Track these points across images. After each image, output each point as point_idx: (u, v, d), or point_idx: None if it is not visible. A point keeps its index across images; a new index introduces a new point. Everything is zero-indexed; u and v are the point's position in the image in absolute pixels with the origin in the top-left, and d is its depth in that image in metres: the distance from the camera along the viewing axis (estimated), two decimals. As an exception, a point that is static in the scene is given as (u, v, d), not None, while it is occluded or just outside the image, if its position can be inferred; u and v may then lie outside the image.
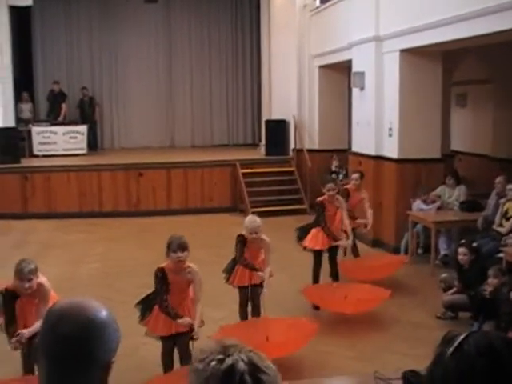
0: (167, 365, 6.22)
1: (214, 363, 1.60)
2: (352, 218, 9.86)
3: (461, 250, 8.25)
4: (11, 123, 17.43)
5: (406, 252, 11.08)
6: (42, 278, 6.01)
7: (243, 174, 15.96)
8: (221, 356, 1.61)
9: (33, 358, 5.82)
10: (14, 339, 5.72)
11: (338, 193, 9.05)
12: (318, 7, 15.91)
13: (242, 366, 1.59)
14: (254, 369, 1.60)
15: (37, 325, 5.81)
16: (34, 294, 5.91)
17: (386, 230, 11.91)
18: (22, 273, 5.74)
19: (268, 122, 17.83)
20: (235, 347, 1.64)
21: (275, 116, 17.93)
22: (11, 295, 5.91)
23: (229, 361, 1.59)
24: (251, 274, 7.31)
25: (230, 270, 7.50)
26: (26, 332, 5.75)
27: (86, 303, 1.92)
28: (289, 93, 17.04)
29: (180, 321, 5.95)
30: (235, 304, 7.69)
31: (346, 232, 9.01)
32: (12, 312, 5.91)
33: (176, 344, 6.16)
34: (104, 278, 10.40)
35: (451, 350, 1.66)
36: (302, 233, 9.13)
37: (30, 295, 5.91)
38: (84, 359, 1.84)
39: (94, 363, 1.86)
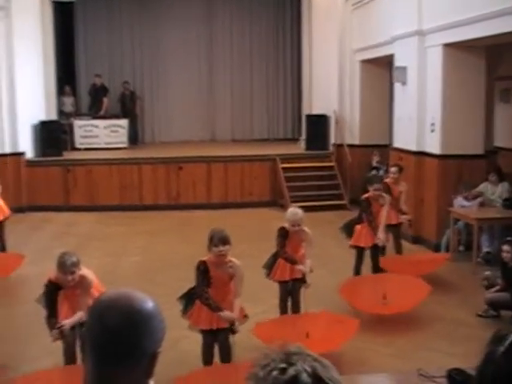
0: (207, 359, 6.23)
1: (275, 372, 1.52)
2: (399, 212, 9.90)
3: (505, 247, 8.14)
4: (53, 116, 17.65)
5: (447, 249, 10.97)
6: (84, 270, 6.07)
7: (283, 168, 15.94)
8: (283, 365, 1.53)
9: (80, 349, 5.91)
10: (54, 330, 5.77)
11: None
12: (360, 1, 15.77)
13: (305, 377, 1.51)
14: (318, 381, 1.53)
15: (78, 315, 5.88)
16: (76, 286, 5.97)
17: (426, 226, 11.79)
18: (65, 266, 5.80)
19: (308, 116, 17.76)
20: (299, 355, 1.56)
21: (316, 111, 17.85)
22: (54, 287, 5.98)
23: (291, 371, 1.52)
24: (292, 269, 7.30)
25: (270, 265, 7.49)
26: (68, 322, 5.81)
27: (132, 294, 1.92)
28: (329, 87, 16.94)
29: (222, 314, 5.96)
30: (275, 299, 7.68)
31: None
32: (54, 304, 5.98)
33: (216, 338, 6.18)
34: (145, 271, 10.46)
35: (502, 348, 1.63)
36: (349, 230, 9.14)
37: (73, 287, 5.96)
38: (130, 350, 1.84)
39: (141, 354, 1.86)
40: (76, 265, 5.87)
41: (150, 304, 1.91)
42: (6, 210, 11.12)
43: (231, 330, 5.97)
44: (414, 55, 11.90)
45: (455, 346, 7.00)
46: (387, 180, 10.37)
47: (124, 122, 18.39)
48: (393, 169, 10.53)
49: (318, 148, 16.93)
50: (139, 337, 1.85)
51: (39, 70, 17.01)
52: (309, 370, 1.53)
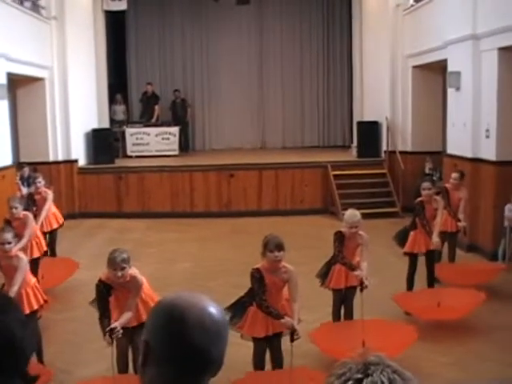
0: (259, 366, 6.18)
1: (350, 383, 1.46)
2: (455, 218, 9.68)
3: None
4: (106, 124, 17.87)
5: (504, 258, 10.71)
6: (135, 270, 6.07)
7: (334, 175, 15.83)
8: (359, 375, 1.46)
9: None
10: (107, 336, 5.72)
11: (437, 193, 8.87)
12: (411, 6, 15.60)
13: None
14: None
15: (126, 316, 5.85)
16: (128, 287, 5.95)
17: (482, 234, 11.54)
18: (115, 261, 5.80)
19: (360, 123, 17.64)
20: (377, 366, 1.48)
21: (367, 117, 17.72)
22: (104, 286, 5.97)
23: (367, 383, 1.45)
24: (347, 276, 7.21)
25: (324, 274, 7.42)
26: (118, 324, 5.76)
27: (178, 301, 1.82)
28: (381, 94, 16.79)
29: (283, 321, 5.88)
30: (327, 306, 7.61)
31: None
32: (106, 304, 5.96)
33: (269, 345, 6.12)
34: (196, 277, 10.46)
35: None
36: (402, 237, 8.95)
37: (125, 288, 5.95)
38: (207, 360, 1.79)
39: (212, 362, 1.82)
40: (126, 261, 5.86)
41: (218, 311, 1.84)
42: (61, 218, 11.24)
43: (291, 337, 5.86)
44: (469, 60, 11.70)
45: (513, 357, 6.83)
46: (447, 185, 10.18)
47: (175, 130, 18.51)
48: (454, 175, 10.23)
49: (370, 155, 16.79)
50: (210, 346, 1.78)
51: (91, 78, 17.24)
52: (386, 382, 1.45)
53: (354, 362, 1.50)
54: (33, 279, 7.22)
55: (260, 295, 5.93)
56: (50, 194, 10.89)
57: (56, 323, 8.33)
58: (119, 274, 5.79)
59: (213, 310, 1.82)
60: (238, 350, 6.64)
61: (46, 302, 7.12)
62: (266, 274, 5.94)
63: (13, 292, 6.46)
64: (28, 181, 13.41)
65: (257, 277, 5.93)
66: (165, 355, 1.77)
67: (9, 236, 6.95)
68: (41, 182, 10.90)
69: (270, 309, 5.90)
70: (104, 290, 5.96)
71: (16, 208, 9.02)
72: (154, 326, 1.81)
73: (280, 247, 5.87)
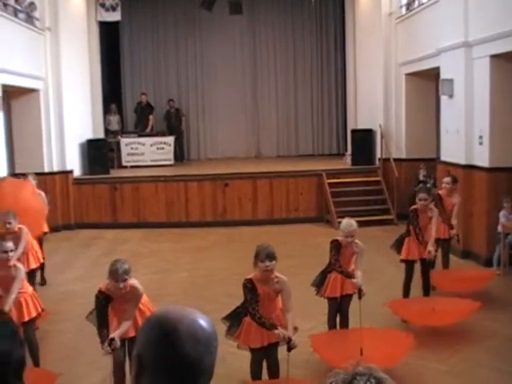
0: (256, 376, 6.18)
1: None
2: (449, 226, 9.67)
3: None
4: (100, 135, 17.89)
5: (499, 264, 10.72)
6: (134, 281, 6.05)
7: (329, 183, 15.85)
8: None
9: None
10: (106, 345, 5.70)
11: (432, 201, 8.87)
12: (404, 14, 15.70)
13: None
14: None
15: (125, 326, 5.84)
16: (127, 297, 5.94)
17: (477, 241, 11.57)
18: (117, 273, 5.77)
19: (354, 131, 17.69)
20: (363, 376, 1.53)
21: (361, 125, 17.77)
22: (104, 297, 5.95)
23: None
24: (343, 284, 7.23)
25: (320, 282, 7.42)
26: (116, 334, 5.75)
27: (170, 315, 1.87)
28: (375, 102, 16.85)
29: (276, 332, 5.86)
30: (322, 315, 7.61)
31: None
32: (105, 315, 5.95)
33: (266, 355, 6.12)
34: (193, 287, 10.47)
35: None
36: (399, 244, 8.95)
37: (124, 298, 5.94)
38: (197, 370, 1.81)
39: (204, 373, 1.83)
40: (128, 272, 5.84)
41: (208, 323, 1.88)
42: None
43: (288, 347, 5.85)
44: (461, 67, 11.76)
45: (510, 364, 6.83)
46: (440, 191, 10.16)
47: (170, 140, 18.53)
48: (446, 179, 10.21)
49: (364, 163, 16.83)
50: (202, 356, 1.82)
51: (86, 89, 17.28)
52: None
53: (344, 371, 1.54)
54: (30, 288, 7.25)
55: (252, 305, 5.92)
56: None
57: (51, 334, 8.32)
58: (121, 285, 5.77)
59: (203, 321, 1.86)
60: (238, 360, 6.67)
61: (43, 310, 7.15)
62: (258, 284, 5.93)
63: (10, 301, 6.49)
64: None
65: (249, 287, 5.93)
66: (159, 367, 1.81)
67: (10, 244, 6.99)
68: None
69: (263, 319, 5.89)
70: (103, 301, 5.95)
71: (10, 223, 8.87)
72: (147, 339, 1.85)
73: (271, 257, 5.84)
